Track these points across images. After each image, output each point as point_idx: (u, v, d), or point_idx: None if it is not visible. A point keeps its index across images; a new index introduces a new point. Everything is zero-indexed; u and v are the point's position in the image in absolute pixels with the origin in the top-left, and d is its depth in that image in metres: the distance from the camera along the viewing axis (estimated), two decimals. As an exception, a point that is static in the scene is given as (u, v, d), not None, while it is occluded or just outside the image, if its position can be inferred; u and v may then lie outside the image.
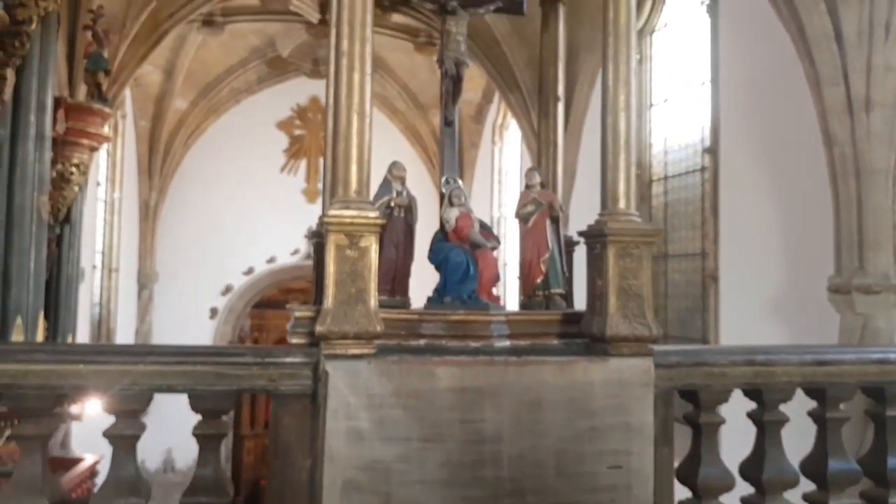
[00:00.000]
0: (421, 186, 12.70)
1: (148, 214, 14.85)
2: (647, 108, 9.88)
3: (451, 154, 4.35)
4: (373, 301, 3.40)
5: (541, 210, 4.13)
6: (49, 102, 8.32)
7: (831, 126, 6.55)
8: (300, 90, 15.86)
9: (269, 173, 15.70)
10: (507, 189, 14.05)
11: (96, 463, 9.17)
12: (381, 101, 15.70)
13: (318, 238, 4.24)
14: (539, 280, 4.09)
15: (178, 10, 11.56)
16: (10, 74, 7.64)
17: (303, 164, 16.05)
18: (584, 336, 3.79)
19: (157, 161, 14.73)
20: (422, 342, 3.87)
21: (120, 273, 13.66)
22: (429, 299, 4.09)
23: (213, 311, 15.47)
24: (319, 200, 15.42)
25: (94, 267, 12.70)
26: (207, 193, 15.26)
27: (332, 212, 3.39)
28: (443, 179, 4.26)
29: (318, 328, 3.35)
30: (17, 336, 7.46)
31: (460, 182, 4.32)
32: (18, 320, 7.51)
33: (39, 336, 7.91)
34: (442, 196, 4.23)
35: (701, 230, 8.80)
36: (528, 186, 4.22)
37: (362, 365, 3.38)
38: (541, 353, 3.64)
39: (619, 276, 3.53)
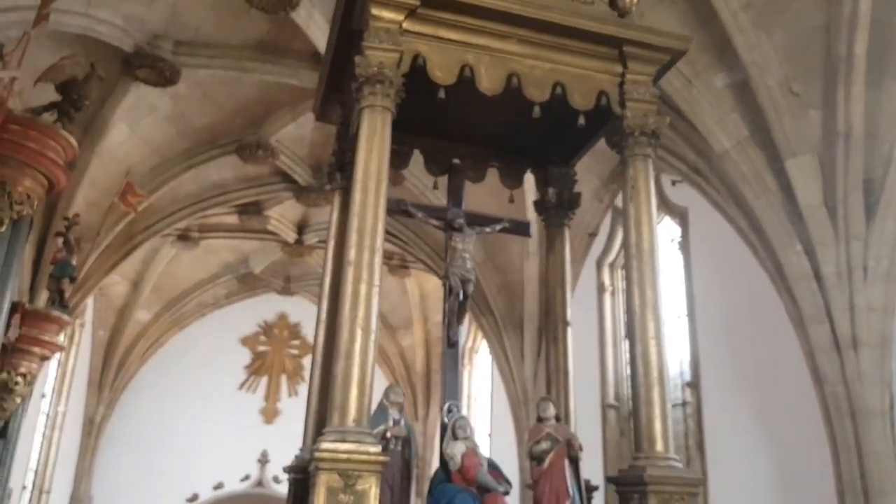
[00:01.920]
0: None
1: (91, 431, 13.46)
2: (623, 338, 9.64)
3: (454, 378, 3.82)
4: (369, 560, 2.66)
5: (558, 448, 3.53)
6: (6, 307, 7.65)
7: (820, 364, 6.25)
8: (269, 306, 15.44)
9: (227, 390, 14.69)
10: (477, 415, 13.30)
11: None
12: (348, 321, 15.31)
13: (296, 473, 3.53)
14: (558, 534, 3.39)
15: (155, 223, 11.38)
16: None
17: (263, 381, 15.13)
18: None
19: (110, 373, 13.68)
20: None
21: (52, 495, 11.99)
22: (426, 555, 3.32)
23: (148, 545, 13.56)
24: (278, 420, 14.30)
25: (24, 487, 11.15)
26: (158, 410, 14.05)
27: (324, 444, 2.75)
28: (444, 407, 3.68)
29: None
30: None
31: (464, 411, 3.75)
32: None
33: None
34: (443, 427, 3.63)
35: (687, 468, 8.13)
36: (540, 419, 3.66)
37: None
38: None
39: (662, 534, 2.89)
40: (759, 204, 6.39)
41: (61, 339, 9.24)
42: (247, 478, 14.22)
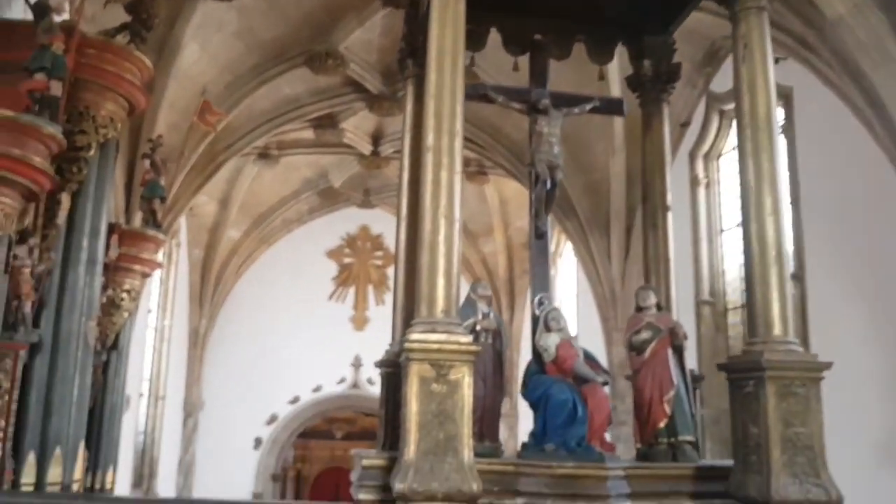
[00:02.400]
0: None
1: (197, 342, 14.25)
2: (718, 233, 9.16)
3: (544, 270, 3.60)
4: (466, 451, 2.56)
5: (660, 337, 3.29)
6: (103, 228, 7.90)
7: (953, 251, 5.67)
8: (350, 219, 15.58)
9: (318, 301, 15.14)
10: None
11: None
12: (429, 230, 15.29)
13: (387, 367, 3.46)
14: (662, 424, 3.21)
15: (235, 142, 11.44)
16: (65, 199, 7.27)
17: (351, 291, 15.50)
18: (730, 497, 2.86)
19: (209, 289, 14.30)
20: (519, 502, 2.97)
21: (166, 401, 12.91)
22: (524, 446, 3.21)
23: (258, 441, 14.48)
24: (367, 328, 14.69)
25: (141, 394, 12.00)
26: (256, 321, 14.69)
27: (414, 335, 2.62)
28: (535, 299, 3.50)
29: (398, 486, 2.50)
30: (55, 468, 6.76)
31: (555, 303, 3.55)
32: (58, 451, 6.83)
33: (78, 468, 7.16)
34: (535, 319, 3.46)
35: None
36: (640, 308, 3.42)
37: (456, 538, 2.50)
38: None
39: (781, 421, 2.64)
40: (880, 75, 5.67)
41: (159, 257, 9.57)
42: (343, 380, 14.81)
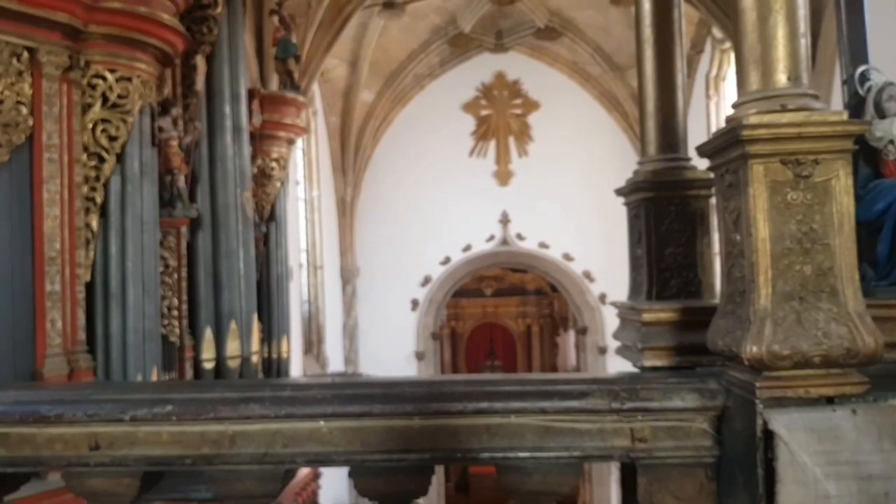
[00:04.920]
0: (620, 161, 10.76)
1: (345, 210, 13.97)
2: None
3: (860, 34, 2.40)
4: (851, 292, 1.63)
5: None
6: (243, 92, 7.42)
7: None
8: (483, 67, 14.19)
9: (458, 159, 14.25)
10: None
11: (320, 464, 8.05)
12: (570, 67, 13.80)
13: (644, 191, 2.54)
14: None
15: (360, -11, 10.45)
16: (200, 63, 6.78)
17: (491, 145, 14.41)
18: None
19: (350, 156, 13.78)
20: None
21: (324, 270, 12.90)
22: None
23: (415, 303, 14.36)
24: (511, 182, 13.82)
25: (301, 265, 11.99)
26: (399, 185, 14.12)
27: (753, 118, 1.62)
28: (856, 73, 2.36)
29: (751, 348, 1.61)
30: (232, 341, 6.72)
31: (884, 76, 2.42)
32: (233, 324, 6.77)
33: (255, 339, 7.05)
34: (854, 101, 2.35)
35: None
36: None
37: (842, 418, 1.63)
38: None
39: None
40: None
41: (301, 121, 9.03)
42: (491, 238, 14.17)
